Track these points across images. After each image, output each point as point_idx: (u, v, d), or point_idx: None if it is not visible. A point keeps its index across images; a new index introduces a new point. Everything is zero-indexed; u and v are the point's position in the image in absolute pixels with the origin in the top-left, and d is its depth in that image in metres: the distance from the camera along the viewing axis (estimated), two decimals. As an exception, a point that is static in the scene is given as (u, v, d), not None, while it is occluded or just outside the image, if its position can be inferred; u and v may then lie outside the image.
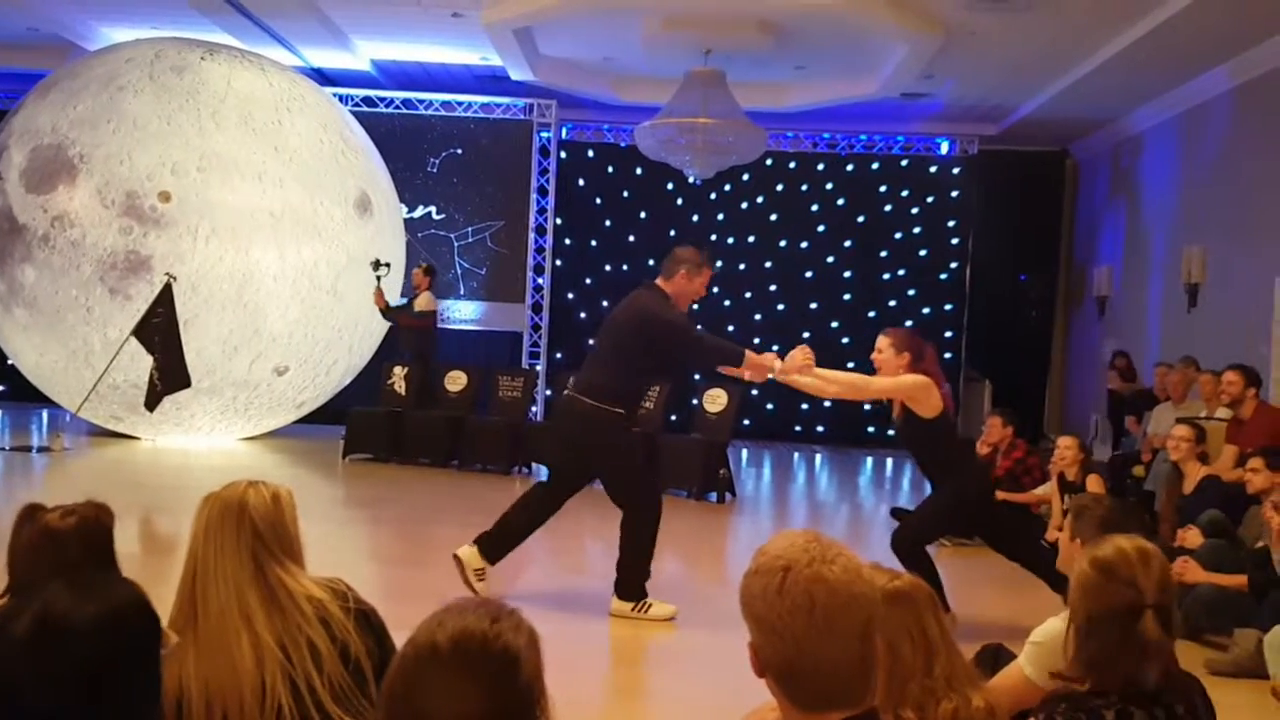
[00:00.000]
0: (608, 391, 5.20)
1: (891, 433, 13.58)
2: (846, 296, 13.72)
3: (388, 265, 10.32)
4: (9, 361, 10.91)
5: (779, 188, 13.73)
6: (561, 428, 5.67)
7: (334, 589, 2.29)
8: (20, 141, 9.73)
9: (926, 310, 13.62)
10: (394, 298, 10.77)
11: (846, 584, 1.52)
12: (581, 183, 13.88)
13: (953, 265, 13.62)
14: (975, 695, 2.13)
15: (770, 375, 5.35)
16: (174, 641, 2.12)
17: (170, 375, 9.15)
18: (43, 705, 1.43)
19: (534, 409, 11.85)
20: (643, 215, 13.76)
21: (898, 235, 13.65)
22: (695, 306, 15.07)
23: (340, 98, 12.39)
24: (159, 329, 9.09)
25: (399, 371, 10.84)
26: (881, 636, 1.93)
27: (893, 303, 13.65)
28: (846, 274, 13.72)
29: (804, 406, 13.81)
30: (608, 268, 13.73)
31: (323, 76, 12.70)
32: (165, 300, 9.15)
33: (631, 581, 5.27)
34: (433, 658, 1.37)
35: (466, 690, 1.36)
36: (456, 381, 10.72)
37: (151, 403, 9.29)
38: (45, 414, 12.11)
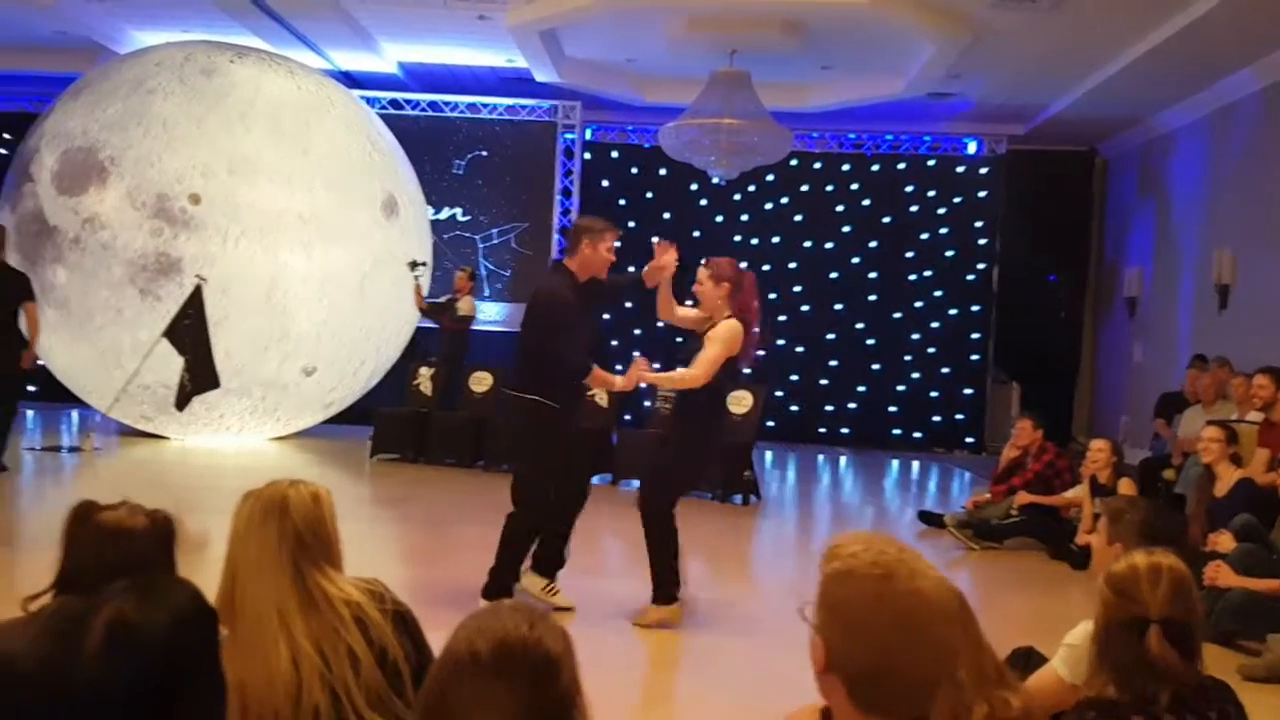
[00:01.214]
0: (528, 383, 5.18)
1: (918, 435, 13.59)
2: (872, 297, 13.67)
3: (424, 264, 10.38)
4: (40, 361, 11.02)
5: (804, 188, 13.69)
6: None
7: (371, 590, 2.29)
8: (51, 144, 9.84)
9: (954, 311, 13.55)
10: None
11: (941, 598, 1.53)
12: (605, 184, 13.90)
13: (980, 266, 13.54)
14: (1012, 696, 2.11)
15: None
16: (224, 635, 2.13)
17: (200, 376, 9.23)
18: (118, 713, 1.42)
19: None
20: (666, 216, 13.75)
21: (924, 236, 13.58)
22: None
23: (367, 100, 12.45)
24: (189, 330, 9.17)
25: (425, 372, 10.91)
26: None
27: (919, 303, 13.58)
28: (872, 275, 13.66)
29: (828, 408, 13.77)
30: (631, 269, 13.66)
31: (350, 79, 12.77)
32: (195, 302, 9.23)
33: (496, 579, 5.22)
34: (474, 665, 1.37)
35: (509, 696, 1.36)
36: (481, 382, 10.75)
37: (181, 403, 9.37)
38: (75, 414, 12.24)
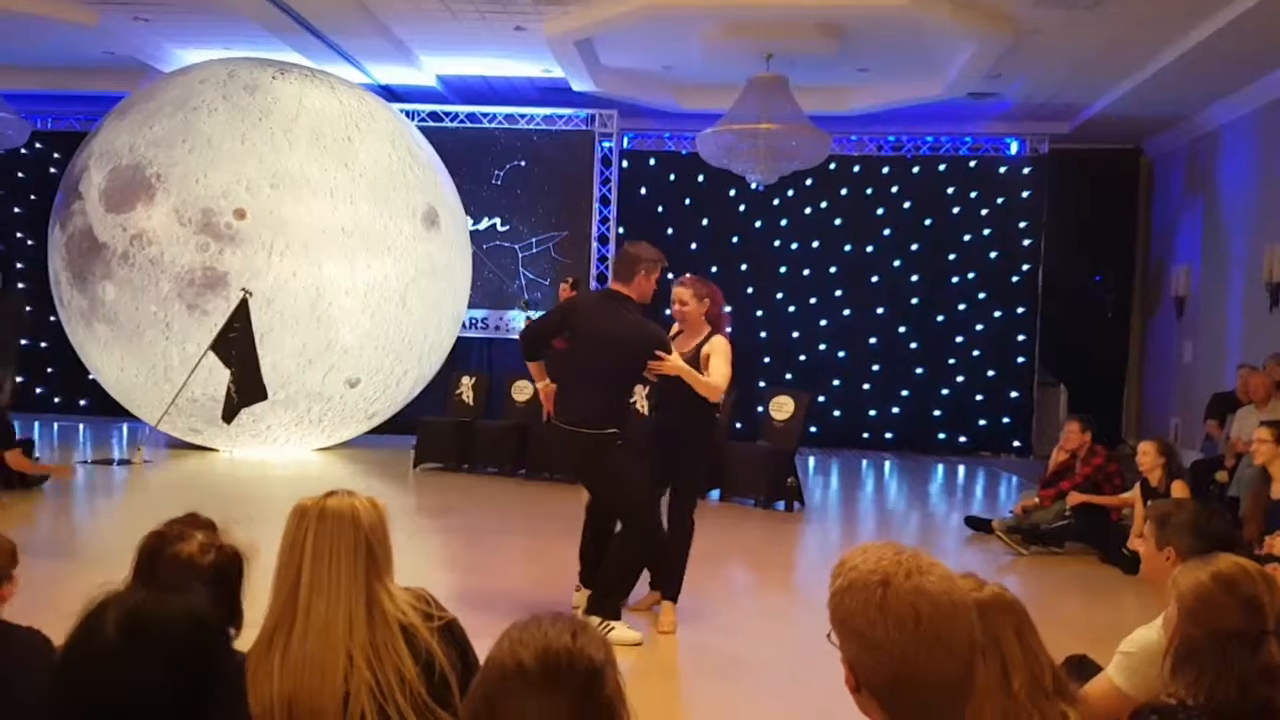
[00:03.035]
0: (606, 417, 5.05)
1: (964, 439, 13.44)
2: (914, 300, 13.54)
3: (528, 303, 10.64)
4: (90, 376, 11.24)
5: (843, 192, 13.61)
6: (567, 459, 5.39)
7: (420, 606, 2.29)
8: (100, 162, 10.03)
9: (998, 313, 13.39)
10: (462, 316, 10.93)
11: (947, 594, 1.48)
12: (643, 191, 13.91)
13: (1025, 267, 13.37)
14: (1069, 710, 2.06)
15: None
16: (255, 643, 2.14)
17: (247, 388, 9.35)
18: (137, 704, 1.44)
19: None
20: (705, 222, 13.74)
21: (967, 237, 13.44)
22: (760, 313, 14.77)
23: (407, 113, 12.57)
24: (236, 343, 9.30)
25: (466, 381, 11.01)
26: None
27: (962, 305, 13.44)
28: (914, 278, 13.54)
29: (872, 413, 13.67)
30: (670, 276, 13.66)
31: (390, 93, 12.90)
32: (241, 315, 9.36)
33: (607, 600, 5.02)
34: (520, 675, 1.37)
35: (558, 706, 1.36)
36: (523, 391, 10.79)
37: (229, 415, 9.50)
38: (125, 427, 12.44)
